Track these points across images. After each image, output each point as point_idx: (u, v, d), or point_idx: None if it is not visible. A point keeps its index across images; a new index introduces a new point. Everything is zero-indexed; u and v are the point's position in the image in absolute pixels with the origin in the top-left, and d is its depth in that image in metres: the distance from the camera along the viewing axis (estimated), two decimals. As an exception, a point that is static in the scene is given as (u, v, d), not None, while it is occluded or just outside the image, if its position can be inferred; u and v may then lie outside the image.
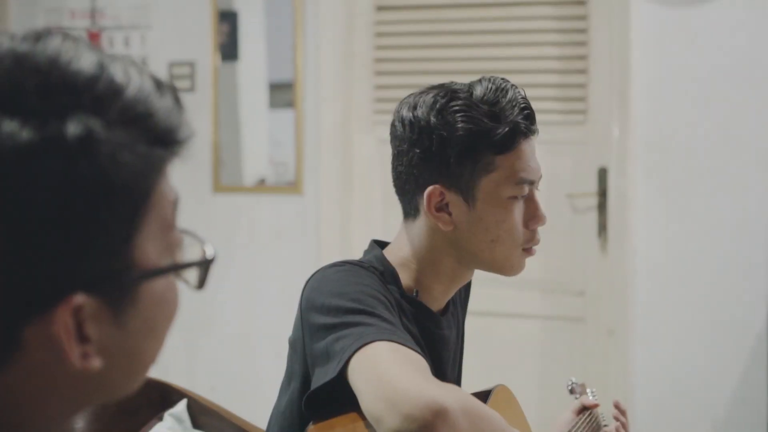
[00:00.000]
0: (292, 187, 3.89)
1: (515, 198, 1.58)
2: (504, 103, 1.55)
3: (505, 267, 1.62)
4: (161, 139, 0.76)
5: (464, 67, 3.66)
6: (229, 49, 3.95)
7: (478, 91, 1.56)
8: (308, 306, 1.49)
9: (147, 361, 0.79)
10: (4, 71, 0.71)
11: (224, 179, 3.97)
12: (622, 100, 3.46)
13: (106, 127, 0.71)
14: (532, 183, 1.60)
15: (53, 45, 0.73)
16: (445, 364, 1.66)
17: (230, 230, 3.97)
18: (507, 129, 1.55)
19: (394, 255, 1.62)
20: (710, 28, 3.35)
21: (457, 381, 1.78)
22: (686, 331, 3.40)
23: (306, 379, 1.49)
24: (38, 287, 0.69)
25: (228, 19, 3.95)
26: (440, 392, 1.27)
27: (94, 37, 4.05)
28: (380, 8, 3.82)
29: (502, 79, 1.59)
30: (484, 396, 1.63)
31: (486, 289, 3.79)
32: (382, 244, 1.67)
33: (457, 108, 1.53)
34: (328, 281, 1.51)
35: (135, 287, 0.75)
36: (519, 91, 1.59)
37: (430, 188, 1.55)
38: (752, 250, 3.33)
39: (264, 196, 3.95)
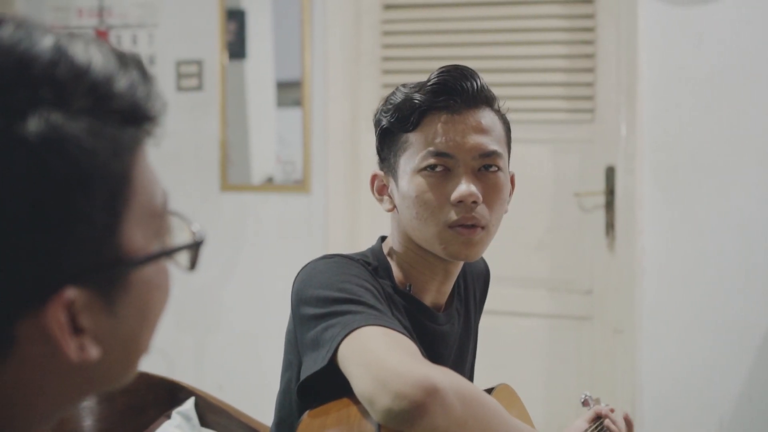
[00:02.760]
0: (300, 185, 3.89)
1: (427, 170, 1.56)
2: (419, 84, 1.60)
3: (439, 247, 1.57)
4: (130, 118, 0.74)
5: (472, 65, 3.64)
6: (236, 48, 3.96)
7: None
8: (298, 298, 1.51)
9: (141, 348, 0.79)
10: None
11: (232, 178, 3.98)
12: (629, 99, 3.46)
13: (70, 117, 0.69)
14: (446, 155, 1.56)
15: (6, 35, 0.70)
16: (444, 360, 1.65)
17: (238, 229, 3.98)
18: (408, 107, 1.58)
19: (388, 248, 1.66)
20: (717, 27, 3.34)
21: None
22: (693, 329, 3.40)
23: (300, 370, 1.50)
24: (24, 285, 0.68)
25: (235, 17, 3.95)
26: (431, 371, 1.27)
27: (101, 36, 4.06)
28: (387, 7, 3.82)
29: (455, 65, 1.63)
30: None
31: (493, 288, 3.79)
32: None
33: (387, 99, 1.63)
34: (316, 273, 1.52)
35: (126, 275, 0.74)
36: (448, 72, 1.60)
37: (374, 175, 1.67)
38: (759, 249, 3.33)
39: (271, 194, 3.95)
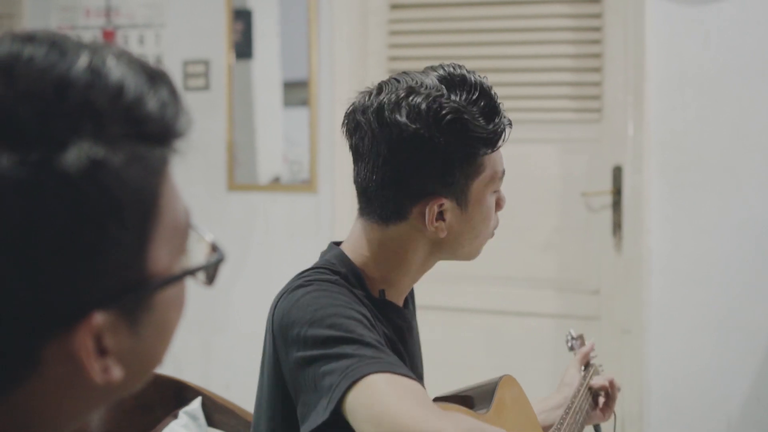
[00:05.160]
0: (307, 185, 3.89)
1: (496, 192, 1.60)
2: (490, 101, 1.54)
3: (474, 256, 1.62)
4: (161, 139, 0.73)
5: (479, 65, 3.64)
6: (243, 48, 3.96)
7: (462, 88, 1.53)
8: (282, 335, 1.45)
9: (157, 362, 0.79)
10: None
11: (239, 178, 3.98)
12: (636, 98, 3.45)
13: (109, 149, 0.68)
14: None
15: (40, 56, 0.69)
16: (416, 357, 1.65)
17: (245, 229, 3.98)
18: (499, 128, 1.54)
19: (355, 254, 1.58)
20: (724, 26, 3.34)
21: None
22: (700, 329, 3.39)
23: (279, 407, 1.47)
24: (54, 310, 0.68)
25: (242, 17, 3.95)
26: (442, 425, 1.24)
27: (108, 36, 4.06)
28: (394, 6, 3.82)
29: (464, 68, 1.57)
30: (490, 387, 1.62)
31: (500, 288, 3.79)
32: (339, 244, 1.63)
33: (453, 114, 1.49)
34: (299, 307, 1.44)
35: (151, 296, 0.74)
36: (487, 82, 1.57)
37: (432, 201, 1.52)
38: (766, 248, 3.32)
39: (278, 194, 3.95)
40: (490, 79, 1.62)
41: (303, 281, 1.50)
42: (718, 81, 3.35)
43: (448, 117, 1.48)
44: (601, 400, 2.03)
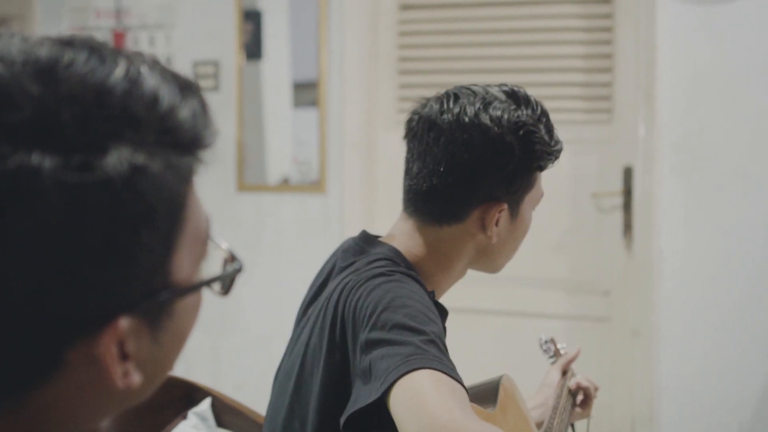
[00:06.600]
0: (316, 186, 3.89)
1: (532, 211, 1.69)
2: (549, 120, 1.63)
3: (500, 269, 1.72)
4: (190, 148, 0.74)
5: (489, 66, 3.65)
6: (253, 49, 3.96)
7: (527, 106, 1.60)
8: (354, 321, 1.45)
9: (170, 367, 0.79)
10: (37, 100, 0.66)
11: (248, 178, 3.98)
12: (647, 99, 3.44)
13: (148, 156, 0.69)
14: None
15: (81, 62, 0.69)
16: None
17: (254, 230, 3.98)
18: (559, 145, 1.64)
19: (408, 253, 1.62)
20: (737, 25, 3.32)
21: None
22: (712, 331, 3.38)
23: (335, 401, 1.46)
24: (84, 313, 0.68)
25: (252, 18, 3.95)
26: (475, 429, 1.25)
27: (119, 37, 4.07)
28: (404, 7, 3.82)
29: (521, 87, 1.65)
30: (494, 386, 1.66)
31: (510, 289, 3.79)
32: (372, 237, 1.65)
33: (527, 127, 1.58)
34: (381, 292, 1.46)
35: (174, 303, 0.75)
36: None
37: (496, 205, 1.59)
38: (779, 249, 3.31)
39: (288, 195, 3.95)
40: (500, 79, 1.65)
41: (385, 270, 1.52)
42: (730, 81, 3.34)
43: (524, 128, 1.57)
44: (579, 398, 2.13)
